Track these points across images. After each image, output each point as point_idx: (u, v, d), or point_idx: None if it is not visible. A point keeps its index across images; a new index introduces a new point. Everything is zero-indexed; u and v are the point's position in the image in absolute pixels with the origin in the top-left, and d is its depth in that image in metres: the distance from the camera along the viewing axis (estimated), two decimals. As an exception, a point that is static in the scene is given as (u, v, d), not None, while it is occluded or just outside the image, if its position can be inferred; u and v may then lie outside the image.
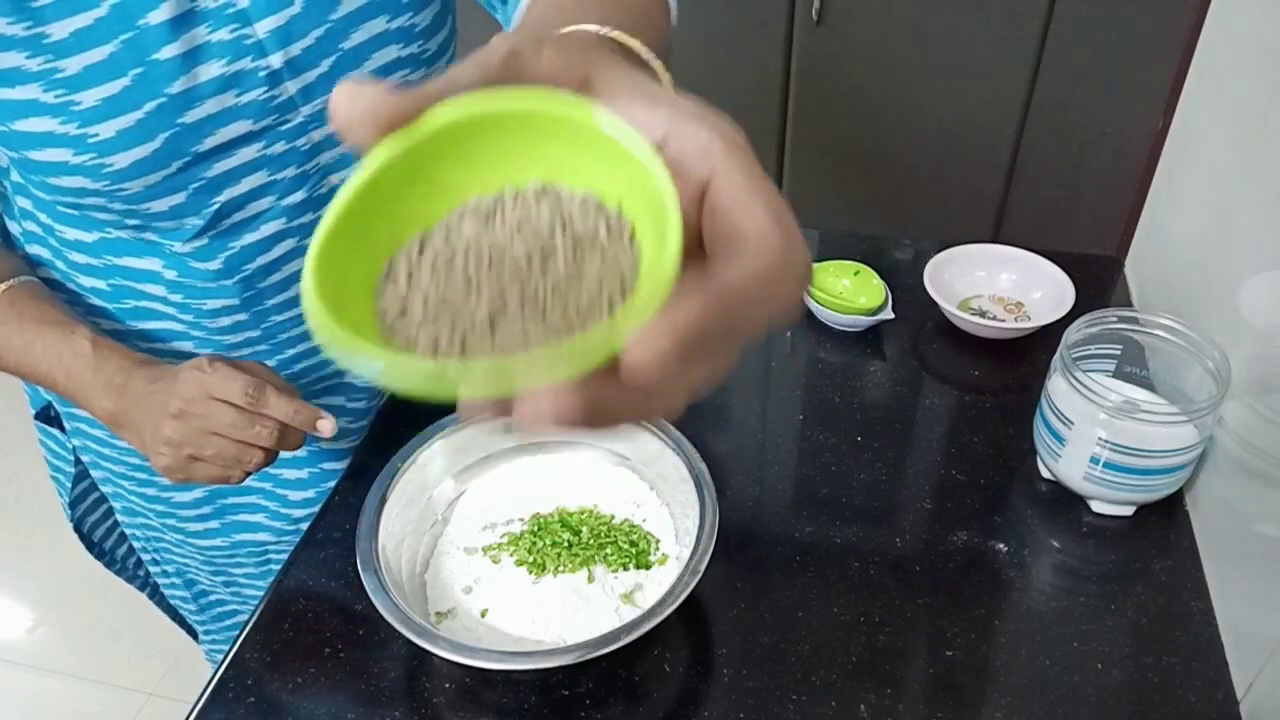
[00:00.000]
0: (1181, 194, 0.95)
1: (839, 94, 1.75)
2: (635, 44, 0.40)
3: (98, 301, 0.76)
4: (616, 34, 0.40)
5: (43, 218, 0.73)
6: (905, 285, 1.01)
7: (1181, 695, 0.66)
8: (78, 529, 0.95)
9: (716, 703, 0.66)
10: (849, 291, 0.98)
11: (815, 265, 0.98)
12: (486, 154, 0.27)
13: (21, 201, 0.73)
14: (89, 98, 0.60)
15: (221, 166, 0.66)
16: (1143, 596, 0.72)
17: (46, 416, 0.89)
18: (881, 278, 0.97)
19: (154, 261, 0.72)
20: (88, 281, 0.75)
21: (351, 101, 0.27)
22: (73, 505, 0.93)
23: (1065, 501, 0.79)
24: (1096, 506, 0.78)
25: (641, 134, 0.25)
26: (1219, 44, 0.89)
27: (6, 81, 0.59)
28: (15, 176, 0.71)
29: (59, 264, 0.75)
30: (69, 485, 0.91)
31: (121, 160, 0.62)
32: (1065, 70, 1.64)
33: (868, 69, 1.71)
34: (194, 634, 1.10)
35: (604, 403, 0.24)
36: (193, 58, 0.62)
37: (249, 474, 0.71)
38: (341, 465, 0.87)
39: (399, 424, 0.86)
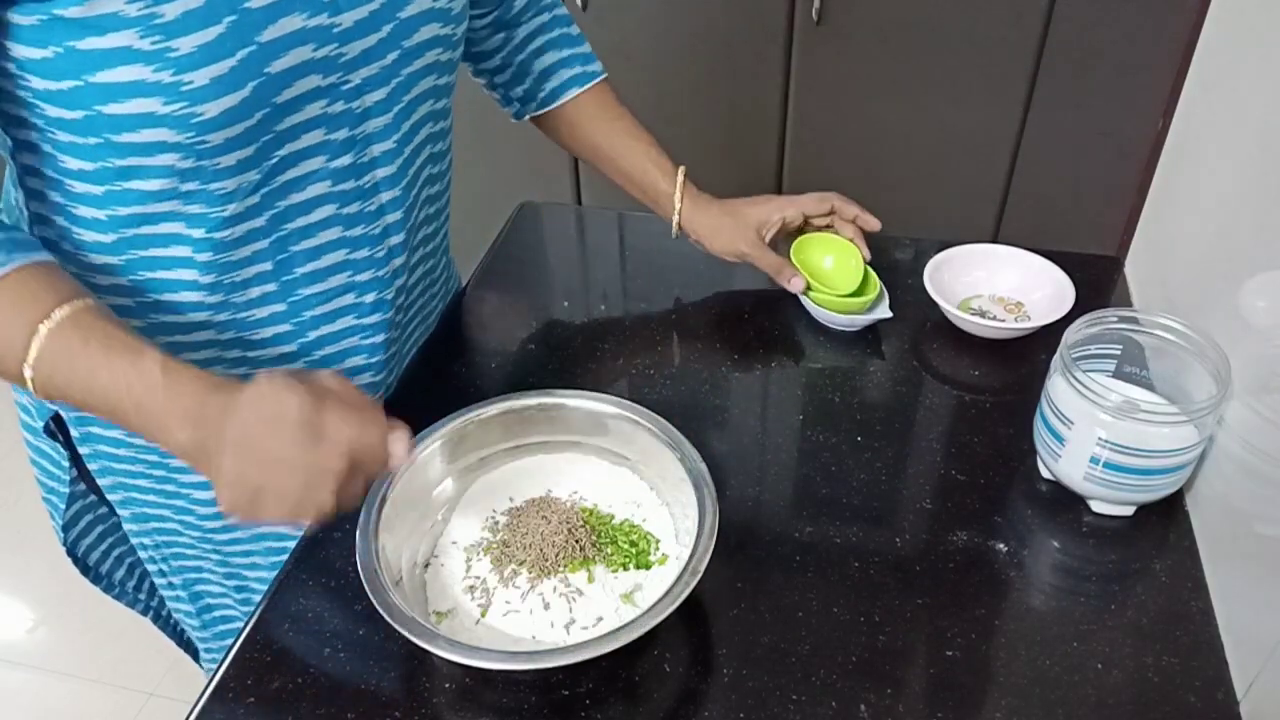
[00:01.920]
0: (1181, 194, 0.95)
1: (839, 94, 1.75)
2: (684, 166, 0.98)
3: (116, 299, 0.75)
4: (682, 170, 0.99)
5: (59, 221, 0.72)
6: (905, 285, 1.01)
7: (1181, 695, 0.66)
8: (71, 552, 0.93)
9: (716, 703, 0.66)
10: (832, 273, 0.98)
11: (800, 238, 1.00)
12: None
13: (32, 182, 0.72)
14: (186, 44, 0.60)
15: (290, 120, 0.68)
16: (1143, 596, 0.72)
17: (50, 429, 0.85)
18: (880, 278, 0.97)
19: (183, 248, 0.72)
20: (106, 280, 0.74)
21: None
22: (66, 528, 0.91)
23: (1065, 501, 0.79)
24: (1096, 506, 0.78)
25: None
26: (1219, 44, 0.89)
27: (99, 28, 0.59)
28: (26, 158, 0.70)
29: (70, 267, 0.74)
30: (62, 507, 0.90)
31: (212, 109, 0.63)
32: (1065, 70, 1.64)
33: (868, 69, 1.71)
34: (194, 653, 1.09)
35: None
36: (279, 8, 0.64)
37: (325, 513, 0.62)
38: None
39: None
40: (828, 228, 1.01)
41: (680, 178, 0.97)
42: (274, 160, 0.70)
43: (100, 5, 0.58)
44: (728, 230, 0.97)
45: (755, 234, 0.96)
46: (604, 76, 0.98)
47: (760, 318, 1.01)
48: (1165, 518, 0.78)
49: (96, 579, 0.97)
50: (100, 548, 0.96)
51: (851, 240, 0.99)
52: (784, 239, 0.99)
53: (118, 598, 1.01)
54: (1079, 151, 1.72)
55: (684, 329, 1.00)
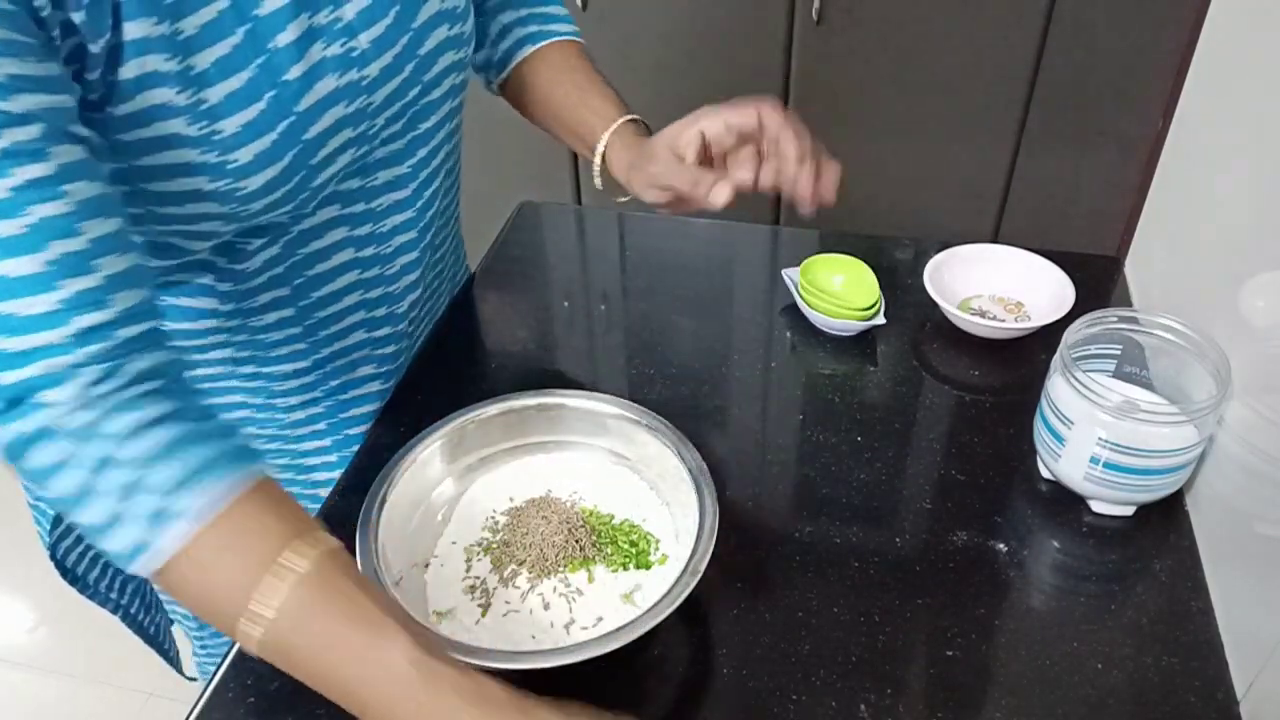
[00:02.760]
0: (1181, 194, 0.95)
1: (839, 94, 1.75)
2: (638, 117, 0.85)
3: None
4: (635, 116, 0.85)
5: None
6: (905, 285, 1.01)
7: (1181, 695, 0.66)
8: (53, 555, 0.91)
9: (716, 703, 0.66)
10: (844, 288, 0.98)
11: (808, 259, 0.98)
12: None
13: None
14: (230, 125, 0.60)
15: (324, 175, 0.69)
16: (1143, 596, 0.72)
17: None
18: (880, 278, 0.97)
19: (207, 277, 0.73)
20: None
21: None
22: (51, 530, 0.89)
23: (1065, 501, 0.79)
24: (1096, 506, 0.78)
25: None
26: (1219, 44, 0.89)
27: (148, 120, 0.58)
28: None
29: None
30: (50, 513, 0.89)
31: (255, 181, 0.63)
32: (1065, 69, 1.64)
33: (868, 69, 1.71)
34: (174, 663, 1.08)
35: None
36: (313, 75, 0.64)
37: None
38: None
39: (400, 423, 0.86)
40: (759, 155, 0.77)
41: (617, 123, 0.83)
42: (308, 210, 0.71)
43: (150, 98, 0.57)
44: (641, 161, 0.79)
45: (668, 153, 0.76)
46: (565, 37, 0.88)
47: (760, 318, 1.01)
48: (1165, 518, 0.78)
49: (74, 580, 0.95)
50: (89, 555, 0.94)
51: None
52: (794, 260, 0.99)
53: (90, 597, 0.98)
54: (1079, 151, 1.72)
55: (684, 329, 1.00)
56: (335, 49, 0.65)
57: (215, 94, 0.59)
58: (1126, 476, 0.73)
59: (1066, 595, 0.73)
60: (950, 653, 0.69)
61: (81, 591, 0.97)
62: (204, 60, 0.58)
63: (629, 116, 0.83)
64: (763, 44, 1.72)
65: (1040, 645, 0.69)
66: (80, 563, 0.95)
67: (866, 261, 0.98)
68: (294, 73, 0.62)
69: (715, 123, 0.76)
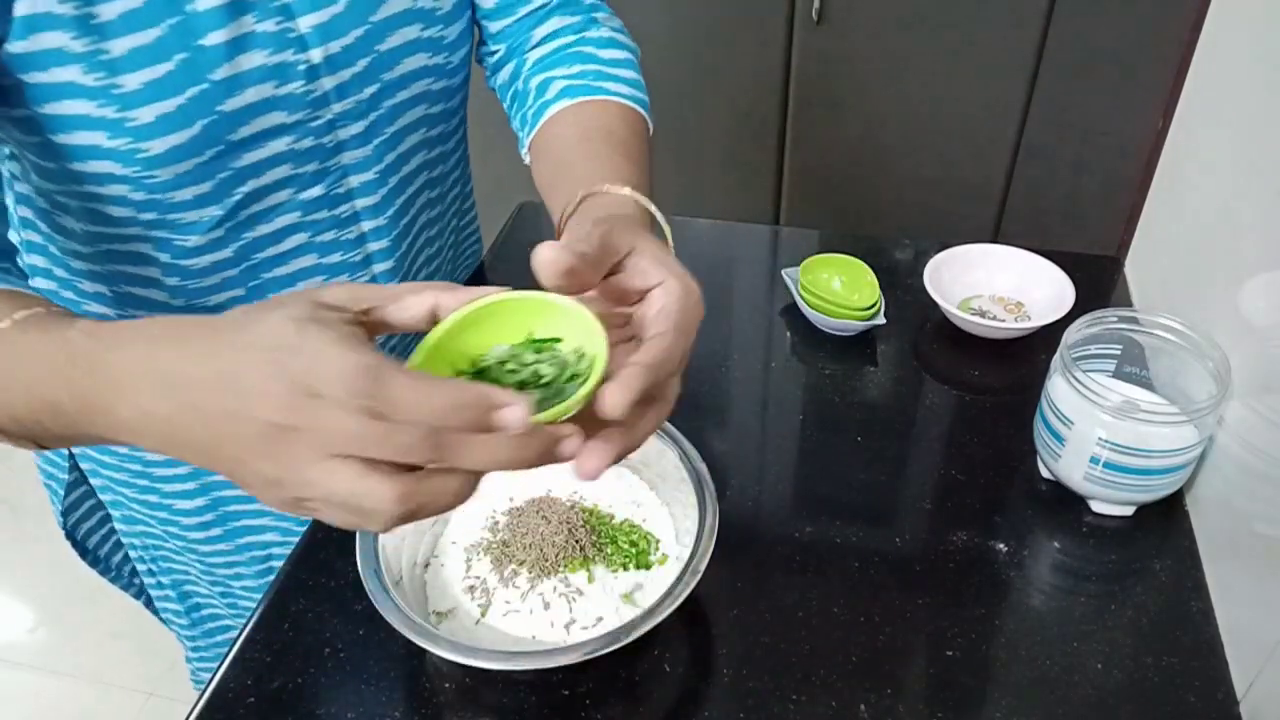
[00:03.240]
0: (1181, 194, 0.95)
1: (839, 94, 1.75)
2: (653, 207, 0.63)
3: (100, 308, 0.75)
4: (640, 197, 0.63)
5: (43, 227, 0.72)
6: (905, 285, 1.01)
7: (1181, 695, 0.66)
8: (70, 536, 0.93)
9: (716, 703, 0.66)
10: (844, 288, 0.97)
11: (808, 259, 0.98)
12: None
13: (23, 211, 0.73)
14: (132, 81, 0.59)
15: (251, 157, 0.66)
16: (1143, 596, 0.72)
17: None
18: (880, 278, 0.97)
19: (153, 269, 0.71)
20: (90, 287, 0.74)
21: (552, 259, 0.44)
22: (66, 513, 0.91)
23: (1065, 501, 0.79)
24: (1096, 506, 0.78)
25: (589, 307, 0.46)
26: (1219, 44, 0.89)
27: (43, 64, 0.58)
28: (21, 187, 0.70)
29: (58, 270, 0.75)
30: (61, 493, 0.90)
31: (158, 145, 0.62)
32: (1065, 70, 1.64)
33: (868, 69, 1.71)
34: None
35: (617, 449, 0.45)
36: (238, 45, 0.62)
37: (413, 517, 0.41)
38: None
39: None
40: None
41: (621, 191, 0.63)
42: (236, 196, 0.68)
43: (43, 40, 0.57)
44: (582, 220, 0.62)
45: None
46: (600, 97, 0.74)
47: (760, 318, 1.01)
48: (1165, 518, 0.78)
49: (95, 562, 0.97)
50: (100, 531, 0.96)
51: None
52: (792, 261, 0.99)
53: (113, 580, 1.01)
54: (1079, 151, 1.72)
55: (684, 329, 1.00)
56: (269, 25, 0.63)
57: (119, 46, 0.58)
58: (1126, 476, 0.73)
59: (1066, 595, 0.73)
60: (950, 653, 0.69)
61: (92, 565, 0.98)
62: (109, 11, 0.57)
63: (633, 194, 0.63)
64: (763, 44, 1.72)
65: (1040, 645, 0.69)
66: (91, 537, 0.96)
67: (866, 261, 0.98)
68: (213, 39, 0.61)
69: (628, 276, 0.49)
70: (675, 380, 0.48)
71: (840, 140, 1.80)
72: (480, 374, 0.46)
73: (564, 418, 0.43)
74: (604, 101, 0.74)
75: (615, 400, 0.42)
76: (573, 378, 0.45)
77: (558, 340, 0.47)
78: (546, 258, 0.44)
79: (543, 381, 0.46)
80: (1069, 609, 0.72)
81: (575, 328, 0.46)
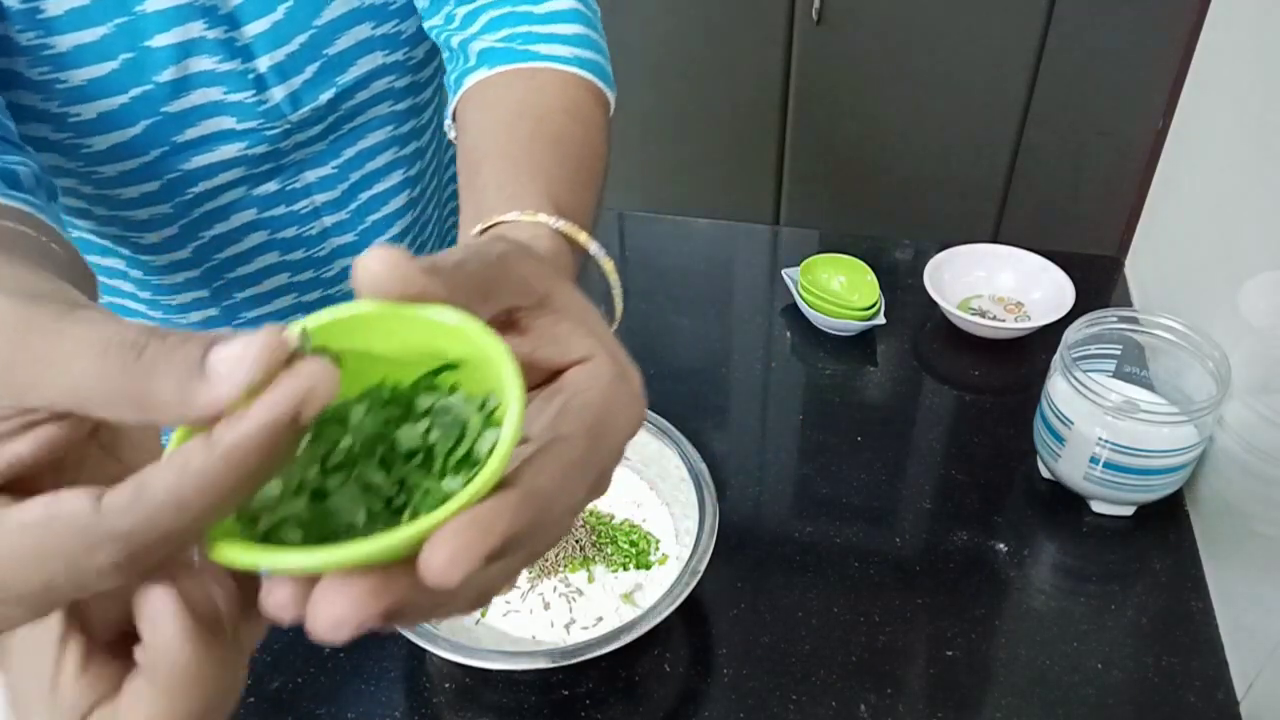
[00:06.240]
0: (1181, 194, 0.95)
1: (839, 94, 1.75)
2: (582, 237, 0.46)
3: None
4: (568, 227, 0.45)
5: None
6: (905, 285, 1.01)
7: (1181, 695, 0.66)
8: None
9: (716, 703, 0.66)
10: (844, 288, 0.97)
11: (808, 259, 0.98)
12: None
13: None
14: (75, 77, 0.59)
15: (200, 160, 0.66)
16: (1143, 596, 0.72)
17: None
18: (880, 278, 0.97)
19: (118, 261, 0.71)
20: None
21: (374, 269, 0.26)
22: None
23: (1065, 501, 0.79)
24: (1096, 506, 0.78)
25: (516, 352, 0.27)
26: (1219, 44, 0.89)
27: None
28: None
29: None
30: None
31: (100, 143, 0.62)
32: (1065, 70, 1.64)
33: (868, 69, 1.71)
34: None
35: (403, 604, 0.25)
36: (185, 50, 0.62)
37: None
38: None
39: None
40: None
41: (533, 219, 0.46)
42: (187, 196, 0.67)
43: None
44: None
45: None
46: (530, 64, 0.59)
47: (760, 318, 1.01)
48: (1165, 518, 0.78)
49: None
50: None
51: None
52: (795, 260, 0.99)
53: None
54: (1079, 151, 1.72)
55: (684, 329, 1.00)
56: (217, 33, 0.62)
57: (63, 43, 0.58)
58: (1126, 476, 0.73)
59: (1066, 595, 0.73)
60: (950, 653, 0.69)
61: None
62: (55, 7, 0.57)
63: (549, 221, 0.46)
64: (763, 44, 1.72)
65: (1040, 645, 0.69)
66: None
67: (866, 261, 0.98)
68: (160, 40, 0.60)
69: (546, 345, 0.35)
70: (567, 518, 0.31)
71: (840, 140, 1.80)
72: (336, 469, 0.28)
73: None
74: (534, 70, 0.58)
75: (448, 563, 0.24)
76: (468, 452, 0.27)
77: (453, 368, 0.29)
78: (377, 259, 0.26)
79: (430, 452, 0.28)
80: (1069, 609, 0.72)
81: (474, 359, 0.28)
